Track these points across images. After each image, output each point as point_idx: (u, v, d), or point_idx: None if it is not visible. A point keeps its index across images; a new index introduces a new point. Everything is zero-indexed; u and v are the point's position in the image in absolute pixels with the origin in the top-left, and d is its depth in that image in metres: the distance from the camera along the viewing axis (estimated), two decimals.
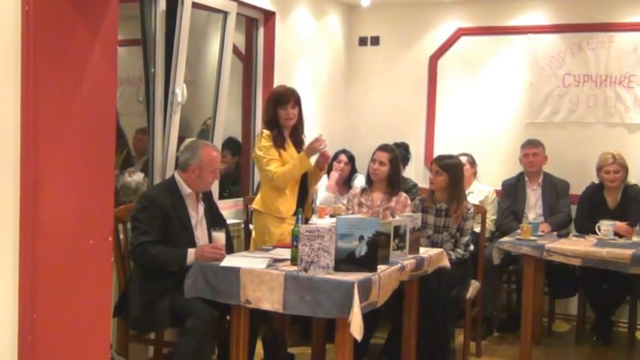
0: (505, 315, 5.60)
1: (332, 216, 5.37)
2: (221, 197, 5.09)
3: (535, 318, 4.82)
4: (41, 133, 2.20)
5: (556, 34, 5.80)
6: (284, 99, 4.24)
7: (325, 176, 5.85)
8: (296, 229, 3.46)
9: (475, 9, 6.06)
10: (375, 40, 6.40)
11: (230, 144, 5.41)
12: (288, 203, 4.25)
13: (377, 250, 3.41)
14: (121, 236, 3.83)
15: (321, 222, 5.23)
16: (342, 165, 5.75)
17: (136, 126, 4.64)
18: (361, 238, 3.37)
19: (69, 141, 2.36)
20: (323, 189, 5.77)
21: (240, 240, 4.89)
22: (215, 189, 4.88)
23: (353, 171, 5.81)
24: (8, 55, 2.12)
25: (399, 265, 3.63)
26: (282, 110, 4.23)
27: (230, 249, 3.90)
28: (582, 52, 5.72)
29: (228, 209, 5.02)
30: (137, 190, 4.15)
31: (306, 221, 4.64)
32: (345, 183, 5.77)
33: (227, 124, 5.36)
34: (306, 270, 3.28)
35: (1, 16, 2.10)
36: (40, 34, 2.17)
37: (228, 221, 4.86)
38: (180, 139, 4.62)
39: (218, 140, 4.90)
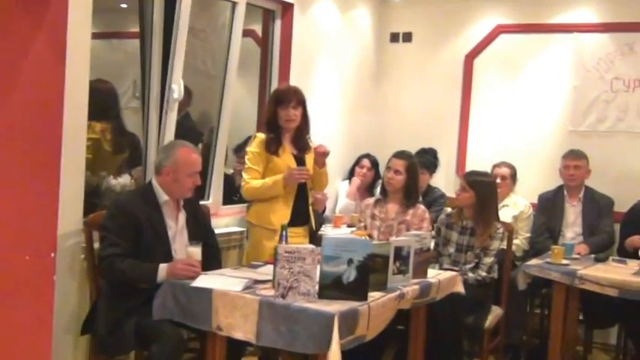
0: (537, 341, 5.13)
1: (349, 226, 5.04)
2: (230, 202, 4.79)
3: (568, 347, 4.40)
4: None
5: (605, 33, 5.43)
6: (284, 98, 4.00)
7: (347, 182, 5.54)
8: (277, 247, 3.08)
9: (516, 4, 5.75)
10: (408, 37, 6.14)
11: (243, 147, 5.12)
12: (280, 214, 3.94)
13: (368, 275, 2.99)
14: (96, 245, 3.51)
15: (336, 232, 4.90)
16: (364, 170, 5.54)
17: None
18: (350, 261, 2.95)
19: (2, 141, 2.21)
20: (343, 196, 5.48)
21: (242, 250, 4.55)
22: (221, 193, 4.60)
23: (377, 177, 5.53)
24: None
25: (398, 292, 3.21)
26: (282, 111, 3.99)
27: (217, 264, 3.57)
28: (633, 54, 5.34)
29: (233, 216, 4.69)
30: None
31: (316, 232, 4.31)
32: (368, 190, 5.53)
33: (243, 120, 5.12)
34: (283, 296, 2.88)
35: None
36: None
37: (231, 229, 4.57)
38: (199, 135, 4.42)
39: (224, 131, 4.64)
